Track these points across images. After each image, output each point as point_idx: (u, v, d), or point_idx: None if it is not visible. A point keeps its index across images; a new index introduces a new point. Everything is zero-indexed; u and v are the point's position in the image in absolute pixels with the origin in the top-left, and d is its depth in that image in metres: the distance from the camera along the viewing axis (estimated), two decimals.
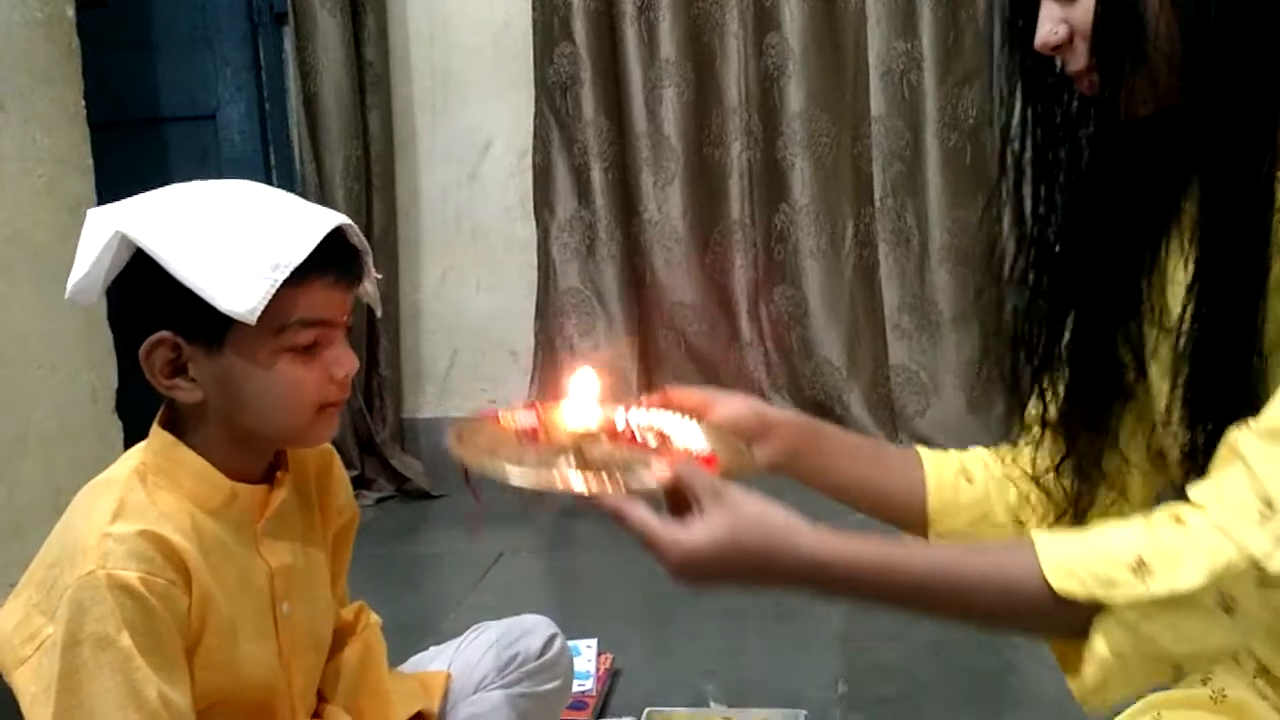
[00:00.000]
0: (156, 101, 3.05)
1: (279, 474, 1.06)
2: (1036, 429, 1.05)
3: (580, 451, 0.92)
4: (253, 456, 1.04)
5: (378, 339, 3.06)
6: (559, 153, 3.03)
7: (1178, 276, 0.94)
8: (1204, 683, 1.00)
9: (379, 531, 2.81)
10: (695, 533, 0.83)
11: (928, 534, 1.07)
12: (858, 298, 3.03)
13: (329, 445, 1.15)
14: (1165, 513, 0.83)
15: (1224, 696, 0.97)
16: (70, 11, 2.16)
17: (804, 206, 2.99)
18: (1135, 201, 0.96)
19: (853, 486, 1.07)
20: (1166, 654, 0.80)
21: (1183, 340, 0.90)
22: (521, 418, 0.97)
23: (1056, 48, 0.89)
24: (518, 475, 0.85)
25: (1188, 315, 0.89)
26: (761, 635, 1.99)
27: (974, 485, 1.07)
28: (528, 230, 3.09)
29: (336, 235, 0.99)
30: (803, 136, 2.96)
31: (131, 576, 0.92)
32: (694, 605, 2.13)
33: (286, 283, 0.94)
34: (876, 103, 2.92)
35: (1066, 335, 1.03)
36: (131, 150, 2.88)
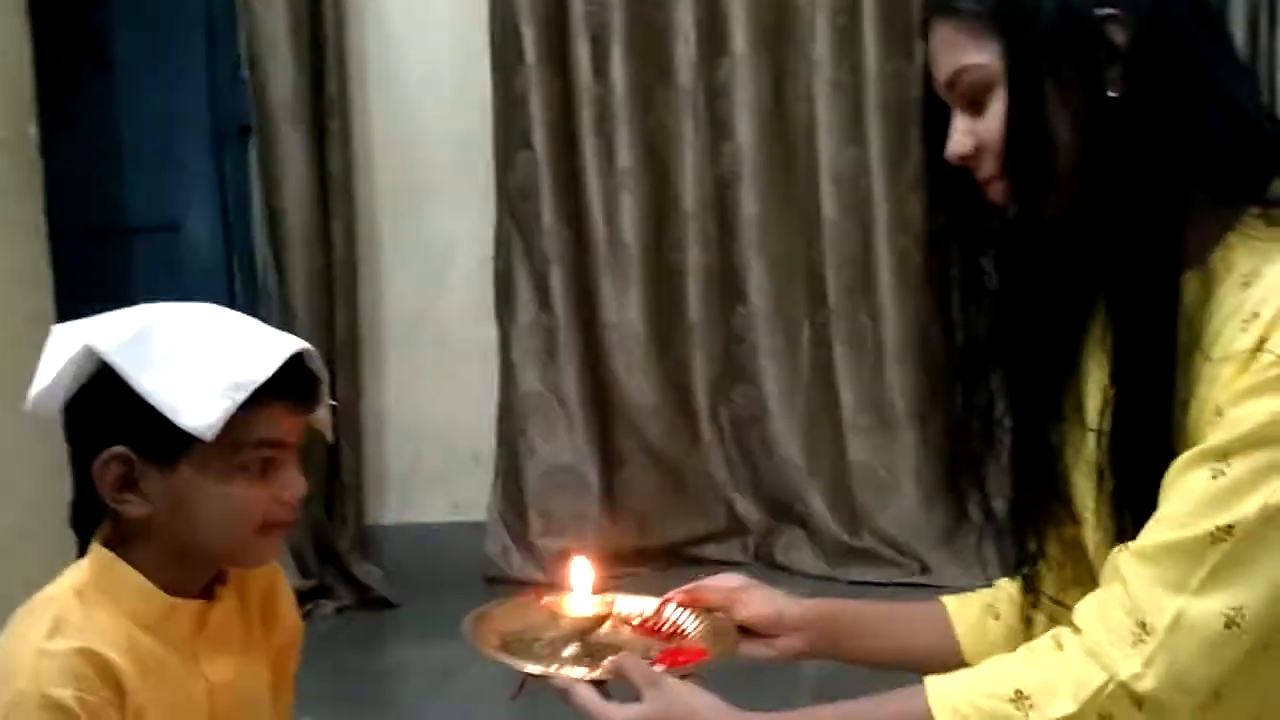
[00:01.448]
0: (122, 212, 3.09)
1: (219, 589, 1.07)
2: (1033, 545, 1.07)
3: (584, 638, 1.05)
4: (193, 572, 1.05)
5: (339, 446, 3.05)
6: (519, 259, 3.09)
7: (1094, 379, 0.97)
8: None
9: (339, 641, 2.77)
10: (628, 714, 0.93)
11: None
12: (816, 396, 3.07)
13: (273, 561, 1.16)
14: (1051, 638, 0.87)
15: None
16: (32, 129, 2.20)
17: (760, 308, 3.05)
18: (1051, 304, 0.99)
19: (885, 657, 1.13)
20: None
21: (1102, 440, 0.93)
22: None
23: (965, 158, 0.93)
24: (494, 656, 1.03)
25: (1105, 417, 0.92)
26: None
27: (1002, 621, 1.09)
28: (490, 334, 3.13)
29: (296, 360, 1.02)
30: (758, 240, 3.04)
31: (66, 694, 0.92)
32: None
33: (246, 403, 0.96)
34: (829, 207, 3.00)
35: (1003, 437, 1.06)
36: (96, 259, 2.91)
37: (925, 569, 2.81)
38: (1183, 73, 0.86)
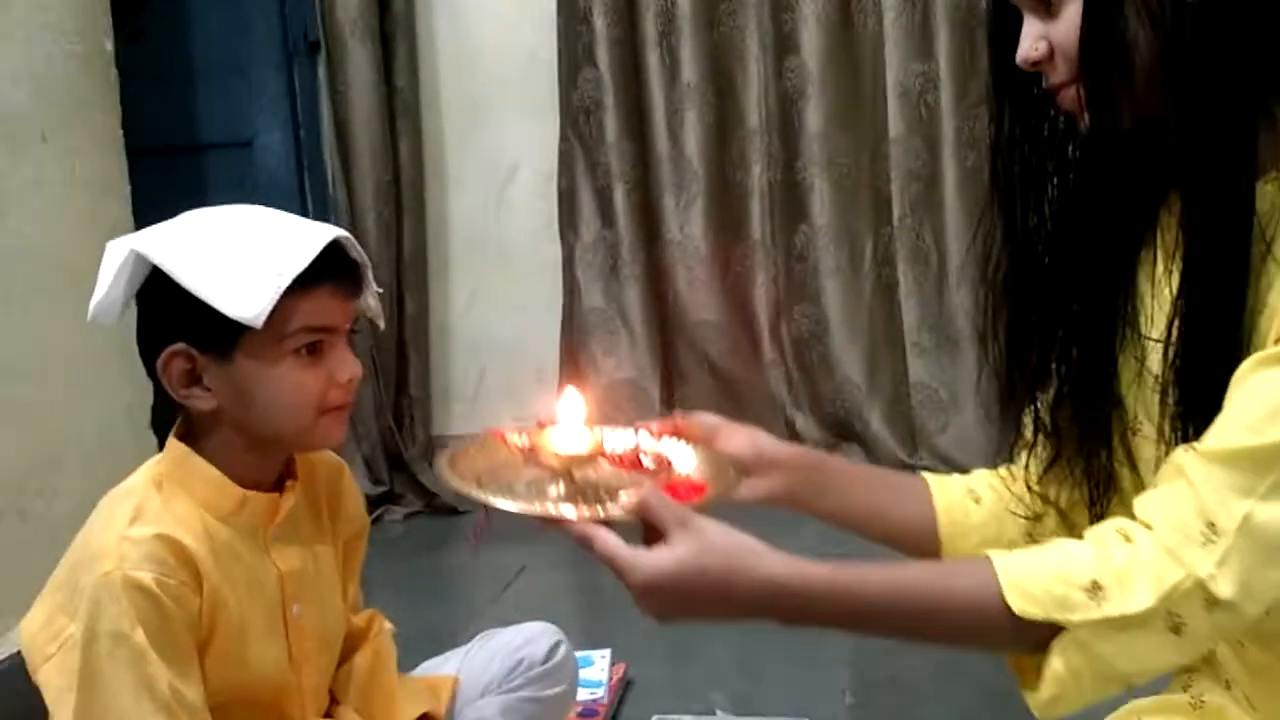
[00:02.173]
0: (194, 129, 3.14)
1: (289, 482, 1.13)
2: (1030, 438, 1.06)
3: (570, 476, 0.95)
4: (264, 464, 1.11)
5: (407, 358, 3.13)
6: (583, 176, 3.10)
7: (1163, 291, 0.97)
8: (1184, 689, 1.03)
9: (407, 545, 2.88)
10: (659, 557, 0.84)
11: (941, 558, 1.07)
12: (877, 316, 3.06)
13: (338, 458, 1.21)
14: (1117, 531, 0.85)
15: (1202, 703, 1.00)
16: (108, 45, 2.25)
17: (823, 226, 3.03)
18: (1116, 213, 0.98)
19: (861, 517, 1.08)
20: (1118, 672, 0.83)
21: (1169, 351, 0.93)
22: (522, 438, 0.99)
23: (1037, 63, 0.91)
24: (497, 501, 0.88)
25: (1175, 326, 0.90)
26: (772, 647, 2.03)
27: (983, 506, 1.08)
28: (553, 252, 3.16)
29: (336, 248, 1.06)
30: (822, 157, 3.01)
31: (146, 577, 0.98)
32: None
33: (290, 291, 1.01)
34: (894, 124, 2.97)
35: (1057, 348, 1.06)
36: (170, 176, 2.97)
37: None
38: None
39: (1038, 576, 0.84)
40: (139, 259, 1.04)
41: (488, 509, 0.88)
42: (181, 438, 1.09)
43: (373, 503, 3.01)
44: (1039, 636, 0.83)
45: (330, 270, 1.04)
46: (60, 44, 2.11)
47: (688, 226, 3.09)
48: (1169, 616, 0.81)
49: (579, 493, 0.94)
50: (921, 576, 0.89)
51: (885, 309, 3.06)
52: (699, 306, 3.10)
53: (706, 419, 1.07)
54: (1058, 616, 0.82)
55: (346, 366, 1.07)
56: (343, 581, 1.23)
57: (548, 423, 0.97)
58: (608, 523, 0.87)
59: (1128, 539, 0.84)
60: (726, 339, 3.12)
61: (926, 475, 1.12)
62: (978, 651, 0.92)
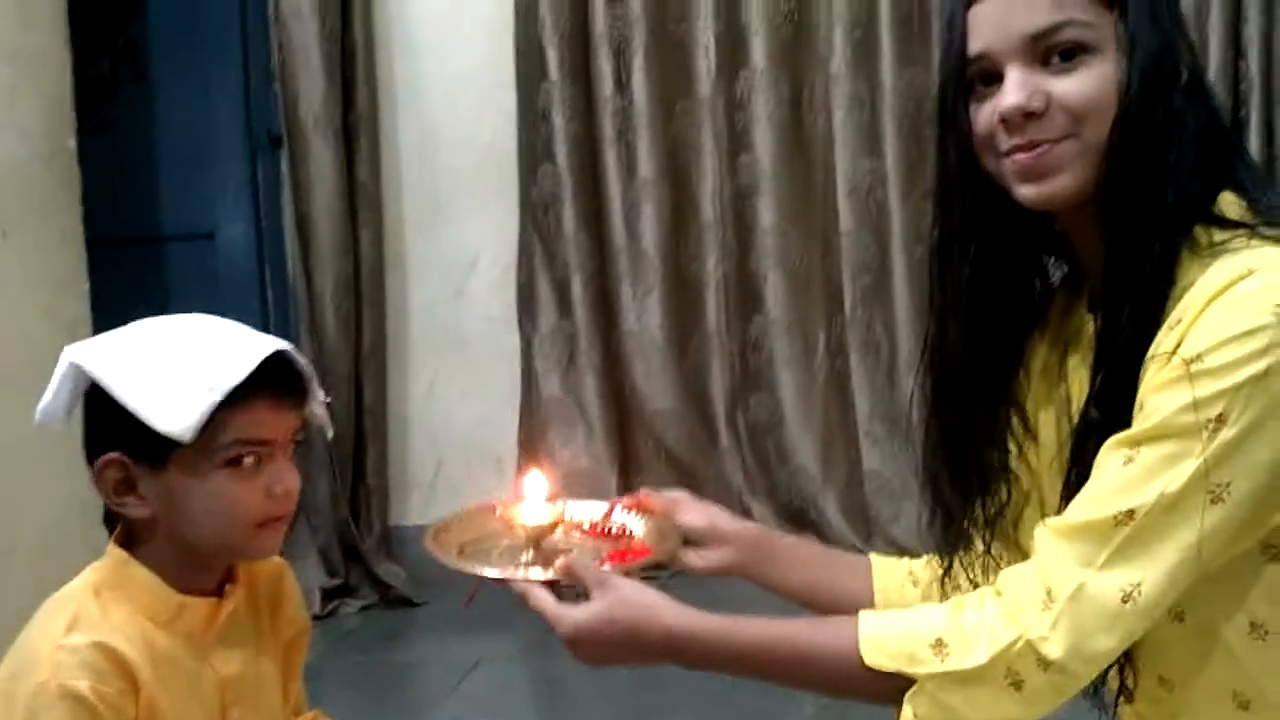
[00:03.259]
0: (157, 221, 3.18)
1: (228, 587, 1.13)
2: (981, 544, 1.09)
3: (537, 544, 1.10)
4: (202, 570, 1.11)
5: (365, 449, 3.14)
6: (542, 267, 3.16)
7: (1077, 374, 1.01)
8: None
9: (362, 638, 2.86)
10: (579, 612, 0.99)
11: None
12: (831, 405, 3.11)
13: (280, 559, 1.22)
14: (974, 598, 0.93)
15: None
16: (71, 143, 2.29)
17: (777, 318, 3.10)
18: (1010, 299, 1.03)
19: (802, 592, 1.17)
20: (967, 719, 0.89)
21: (1073, 435, 0.97)
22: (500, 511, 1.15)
23: (1028, 114, 0.92)
24: (461, 564, 1.06)
25: (1082, 411, 0.95)
26: (739, 711, 2.03)
27: (918, 588, 1.14)
28: (512, 342, 3.20)
29: (278, 359, 1.08)
30: (775, 251, 3.09)
31: (82, 686, 0.98)
32: (674, 715, 2.18)
33: (226, 405, 1.02)
34: (845, 218, 3.05)
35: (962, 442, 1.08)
36: (132, 267, 3.00)
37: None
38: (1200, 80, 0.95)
39: (892, 633, 0.92)
40: (78, 370, 1.06)
41: (477, 578, 1.05)
42: (121, 544, 1.10)
43: (327, 595, 2.99)
44: (896, 687, 0.91)
45: (268, 383, 1.05)
46: (26, 142, 2.14)
47: (645, 317, 3.14)
48: (1008, 673, 0.88)
49: (544, 558, 1.08)
50: (795, 630, 0.98)
51: (839, 398, 3.11)
52: (656, 395, 3.14)
53: (670, 494, 1.19)
54: (905, 669, 0.90)
55: (282, 479, 1.07)
56: (283, 683, 1.23)
57: (518, 499, 1.13)
58: (554, 584, 1.02)
59: (979, 603, 0.91)
60: (683, 427, 3.15)
61: (873, 556, 1.19)
62: (849, 699, 0.97)
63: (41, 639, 1.02)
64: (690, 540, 1.15)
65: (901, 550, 2.92)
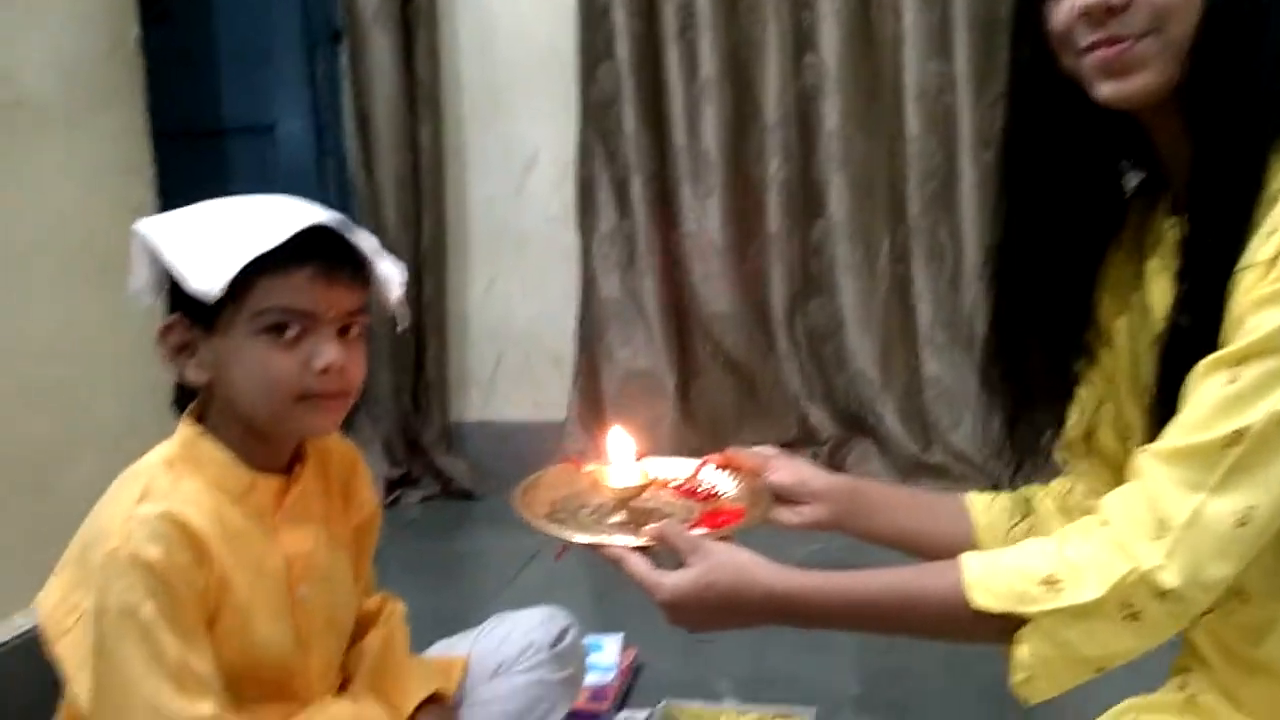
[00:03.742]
0: (218, 114, 3.18)
1: (298, 467, 1.15)
2: (1060, 457, 1.11)
3: (626, 506, 1.10)
4: (270, 447, 1.13)
5: (425, 343, 3.17)
6: (602, 167, 3.12)
7: (1158, 280, 0.99)
8: (1180, 688, 1.06)
9: (422, 529, 2.92)
10: (676, 578, 0.99)
11: None
12: (892, 312, 3.07)
13: (352, 445, 1.24)
14: (1078, 528, 0.91)
15: (1196, 701, 1.04)
16: (134, 34, 2.28)
17: (840, 222, 3.05)
18: (1086, 202, 1.01)
19: (902, 539, 1.17)
20: (1084, 656, 0.89)
21: (1155, 350, 0.95)
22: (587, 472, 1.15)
23: (1110, 8, 0.89)
24: (555, 529, 1.06)
25: (1167, 324, 0.93)
26: (781, 636, 2.03)
27: (1020, 524, 1.14)
28: (571, 241, 3.19)
29: (335, 237, 1.08)
30: (839, 154, 3.02)
31: (152, 553, 1.02)
32: None
33: (265, 272, 1.04)
34: (911, 122, 2.97)
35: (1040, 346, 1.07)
36: (194, 160, 3.01)
37: (996, 486, 2.82)
38: None
39: (999, 574, 0.91)
40: (144, 239, 1.08)
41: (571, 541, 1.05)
42: (194, 420, 1.12)
43: (389, 486, 3.05)
44: (1006, 627, 0.90)
45: (311, 255, 1.06)
46: (88, 32, 2.14)
47: (705, 219, 3.11)
48: (1122, 606, 0.86)
49: (633, 521, 1.08)
50: (899, 579, 0.97)
51: (900, 305, 3.07)
52: (715, 298, 3.12)
53: (759, 451, 1.19)
54: (1017, 609, 0.89)
55: (322, 355, 1.07)
56: (354, 566, 1.26)
57: (608, 459, 1.13)
58: (646, 549, 1.01)
59: (1086, 535, 0.90)
60: (742, 331, 3.13)
61: (969, 495, 1.19)
62: (959, 642, 0.98)
63: (114, 510, 1.05)
64: (781, 497, 1.15)
65: (962, 459, 2.92)
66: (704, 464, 1.18)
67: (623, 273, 3.13)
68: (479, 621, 1.47)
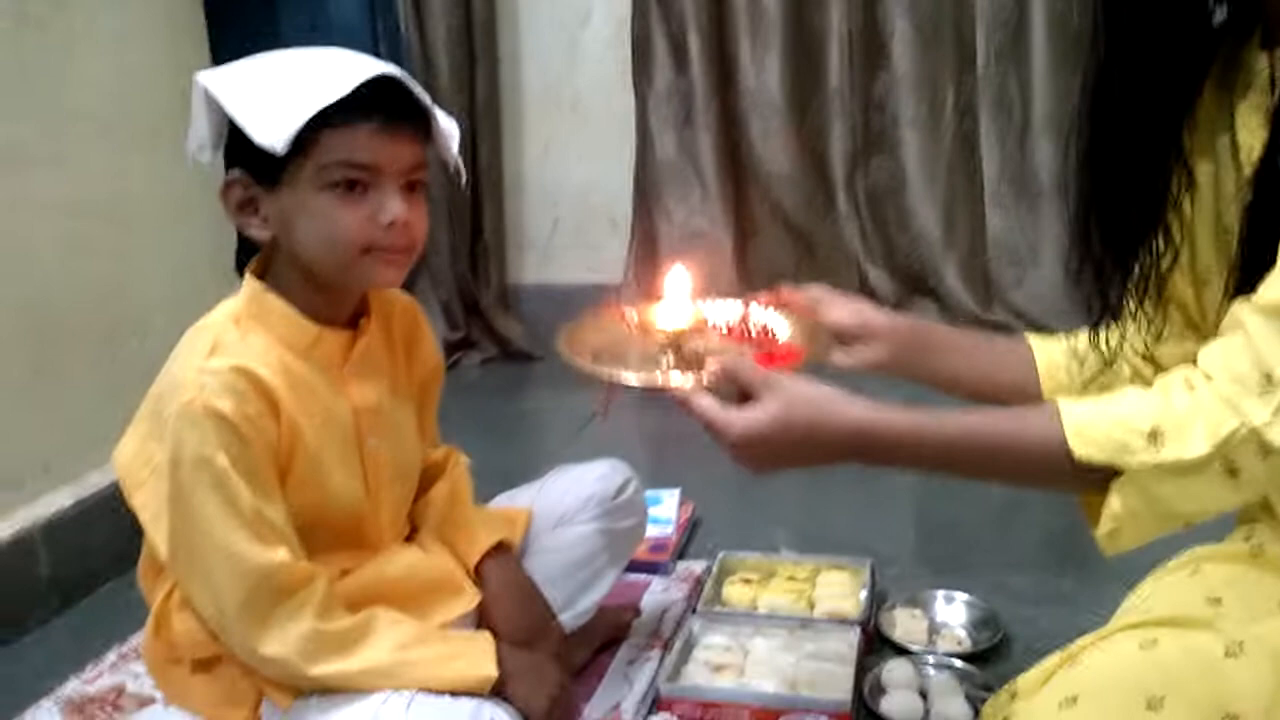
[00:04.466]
0: None
1: (363, 321, 1.16)
2: (1131, 303, 1.07)
3: (678, 347, 1.03)
4: (334, 302, 1.14)
5: (482, 205, 3.16)
6: (657, 23, 3.04)
7: (1250, 119, 0.95)
8: (1246, 539, 1.05)
9: (482, 390, 2.96)
10: (750, 416, 0.92)
11: None
12: (956, 168, 3.00)
13: (413, 300, 1.25)
14: (1180, 380, 0.87)
15: (1262, 551, 1.03)
16: None
17: (904, 75, 2.95)
18: (1174, 35, 0.96)
19: (964, 380, 1.13)
20: (1175, 511, 0.87)
21: (1240, 201, 0.92)
22: (634, 315, 1.09)
23: None
24: (609, 372, 0.99)
25: (1251, 175, 0.90)
26: (836, 489, 2.07)
27: (1086, 367, 1.10)
28: (626, 101, 3.12)
29: (398, 91, 1.06)
30: (904, 2, 2.91)
31: (224, 405, 1.03)
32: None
33: (331, 125, 1.03)
34: None
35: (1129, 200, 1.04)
36: (246, 20, 2.98)
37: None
38: None
39: (1100, 423, 0.87)
40: (207, 92, 1.07)
41: (612, 383, 0.98)
42: (259, 275, 1.13)
43: (449, 348, 3.08)
44: (1101, 477, 0.87)
45: (376, 107, 1.05)
46: None
47: (763, 75, 3.02)
48: (1225, 461, 0.84)
49: (685, 363, 1.01)
50: (994, 421, 0.93)
51: (965, 161, 2.99)
52: (773, 157, 3.06)
53: (812, 291, 1.14)
54: (1117, 460, 0.86)
55: (389, 209, 1.07)
56: (419, 418, 1.28)
57: (655, 299, 1.05)
58: (708, 388, 0.94)
59: (1190, 388, 0.86)
60: (801, 192, 3.08)
61: (1031, 337, 1.15)
62: (1048, 490, 0.94)
63: (185, 363, 1.07)
64: (836, 336, 1.10)
65: (1024, 318, 2.89)
66: (751, 300, 1.13)
67: (679, 132, 3.08)
68: (541, 476, 1.49)
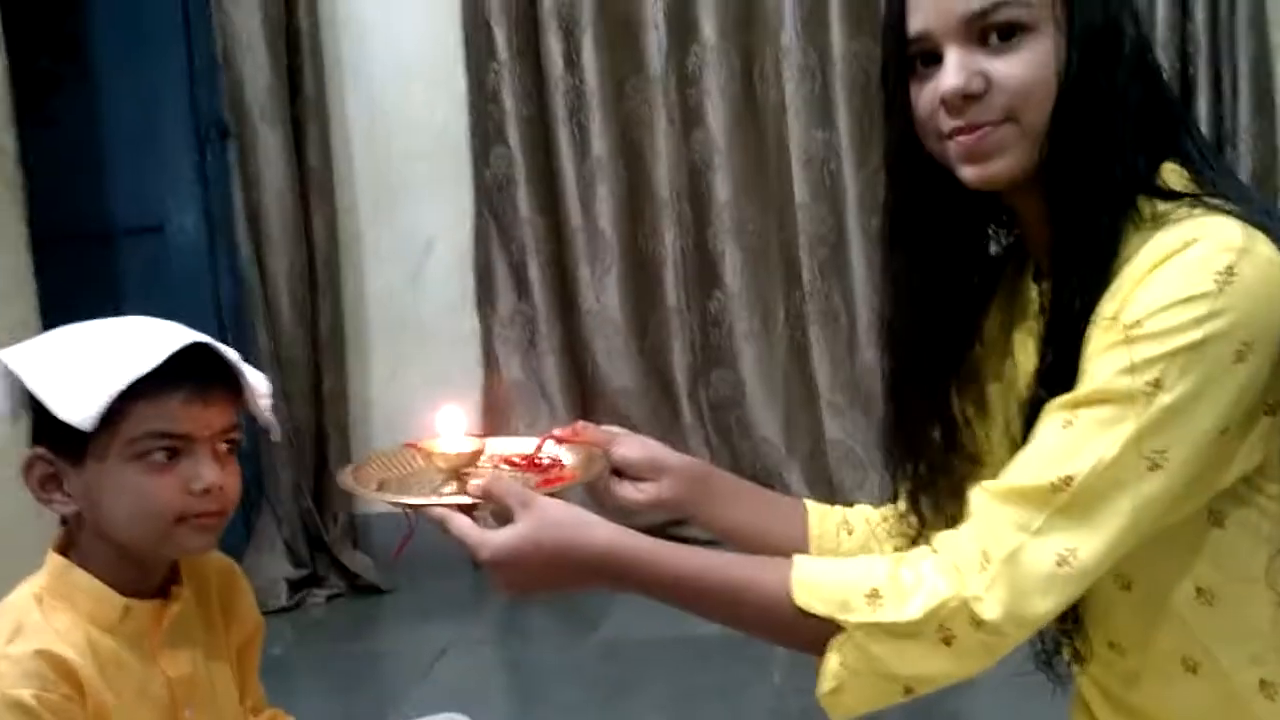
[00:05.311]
0: (106, 216, 3.14)
1: (174, 588, 1.13)
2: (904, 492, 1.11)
3: (459, 475, 1.04)
4: (141, 570, 1.10)
5: (327, 438, 3.12)
6: (498, 251, 3.14)
7: (1025, 345, 1.01)
8: None
9: (327, 630, 2.85)
10: (503, 535, 0.93)
11: None
12: (792, 377, 3.12)
13: (228, 559, 1.22)
14: (913, 554, 0.92)
15: None
16: (9, 142, 2.25)
17: (736, 292, 3.10)
18: (959, 274, 1.04)
19: (738, 531, 1.14)
20: (892, 674, 0.89)
21: (1019, 403, 0.98)
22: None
23: (967, 96, 0.92)
24: (376, 495, 1.03)
25: (1034, 374, 0.96)
26: (700, 709, 2.04)
27: (853, 537, 1.14)
28: (471, 325, 3.19)
29: (206, 354, 1.07)
30: (732, 225, 3.09)
31: (25, 694, 0.98)
32: (645, 694, 2.19)
33: (139, 397, 1.02)
34: (800, 189, 3.05)
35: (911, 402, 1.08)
36: (83, 263, 2.97)
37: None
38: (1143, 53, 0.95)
39: (827, 579, 0.91)
40: (5, 367, 1.06)
41: (411, 528, 1.01)
42: (62, 551, 1.09)
43: (294, 586, 2.98)
44: (823, 634, 0.89)
45: (185, 376, 1.05)
46: None
47: (604, 296, 3.14)
48: (940, 629, 0.87)
49: (465, 490, 1.01)
50: (736, 562, 0.95)
51: (799, 370, 3.12)
52: (618, 374, 3.14)
53: (608, 428, 1.15)
54: (837, 616, 0.89)
55: (203, 476, 1.06)
56: (239, 682, 1.23)
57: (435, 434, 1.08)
58: (471, 510, 0.96)
59: (917, 560, 0.91)
60: (646, 405, 3.15)
61: (809, 502, 1.18)
62: (776, 643, 0.96)
63: None
64: (629, 474, 1.12)
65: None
66: (546, 438, 1.14)
67: (524, 354, 3.14)
68: None
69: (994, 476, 1.04)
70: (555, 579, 0.95)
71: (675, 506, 1.13)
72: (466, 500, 0.96)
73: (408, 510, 1.00)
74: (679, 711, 2.08)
